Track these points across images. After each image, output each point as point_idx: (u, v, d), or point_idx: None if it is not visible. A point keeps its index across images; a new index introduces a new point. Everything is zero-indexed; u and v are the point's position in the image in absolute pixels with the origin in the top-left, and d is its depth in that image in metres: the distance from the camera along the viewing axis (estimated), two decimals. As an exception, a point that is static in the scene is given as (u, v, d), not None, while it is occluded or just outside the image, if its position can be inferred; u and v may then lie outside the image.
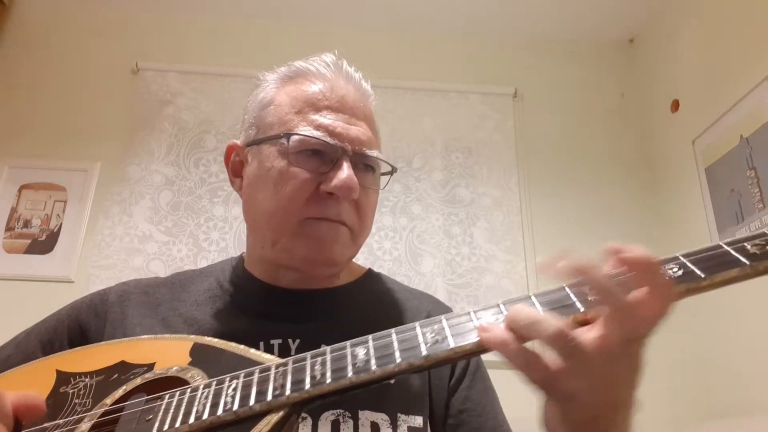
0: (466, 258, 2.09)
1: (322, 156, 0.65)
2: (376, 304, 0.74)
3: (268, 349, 0.64)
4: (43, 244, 2.02)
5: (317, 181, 0.64)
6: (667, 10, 2.27)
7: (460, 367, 0.70)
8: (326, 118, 0.66)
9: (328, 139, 0.65)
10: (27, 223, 2.05)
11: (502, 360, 0.41)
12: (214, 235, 2.06)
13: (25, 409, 0.48)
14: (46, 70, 2.28)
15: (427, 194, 2.18)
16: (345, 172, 0.63)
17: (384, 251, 2.08)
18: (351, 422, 0.59)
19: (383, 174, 0.73)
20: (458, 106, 2.34)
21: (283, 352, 0.64)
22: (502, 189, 2.22)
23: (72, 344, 0.66)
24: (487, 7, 2.37)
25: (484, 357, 0.72)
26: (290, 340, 0.65)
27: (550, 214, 2.21)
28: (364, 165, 0.68)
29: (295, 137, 0.65)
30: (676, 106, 2.18)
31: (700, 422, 1.79)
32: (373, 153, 0.68)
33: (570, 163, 2.31)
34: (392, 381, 0.63)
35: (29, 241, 2.02)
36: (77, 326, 0.68)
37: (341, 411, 0.60)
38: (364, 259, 2.04)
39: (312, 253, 0.65)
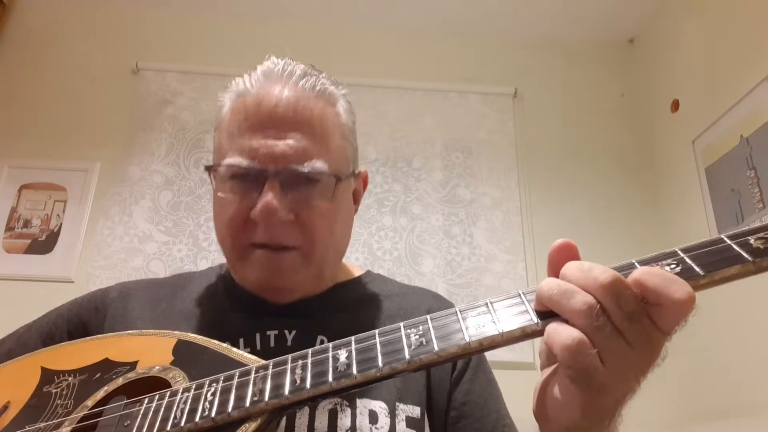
0: (466, 258, 2.09)
1: (249, 181, 0.63)
2: (374, 300, 0.74)
3: (265, 340, 0.64)
4: (43, 244, 2.02)
5: (249, 207, 0.63)
6: (667, 10, 2.27)
7: (462, 361, 0.70)
8: (251, 140, 0.63)
9: (248, 164, 0.62)
10: (27, 223, 2.05)
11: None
12: (214, 235, 2.05)
13: None
14: (46, 70, 2.28)
15: (427, 194, 2.18)
16: (265, 196, 0.61)
17: (384, 251, 2.08)
18: (349, 410, 0.59)
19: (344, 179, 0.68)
20: (458, 106, 2.34)
21: (280, 343, 0.64)
22: (502, 189, 2.22)
23: (71, 338, 0.67)
24: (488, 8, 2.37)
25: (488, 354, 0.73)
26: (286, 332, 0.65)
27: (550, 214, 2.21)
28: (304, 180, 0.63)
29: (221, 168, 0.64)
30: (676, 106, 2.18)
31: (700, 422, 1.79)
32: (302, 168, 0.62)
33: (570, 163, 2.30)
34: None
35: (29, 241, 2.02)
36: (78, 320, 0.69)
37: (339, 400, 0.59)
38: (364, 259, 2.04)
39: (261, 281, 0.65)
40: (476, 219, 2.16)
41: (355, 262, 1.94)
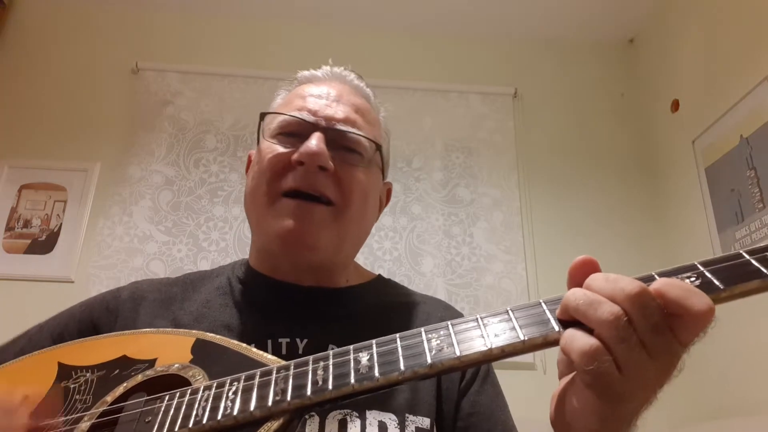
0: (466, 258, 2.09)
1: (299, 136, 0.67)
2: (387, 308, 0.74)
3: (276, 348, 0.64)
4: (43, 244, 2.02)
5: (291, 155, 0.66)
6: (667, 10, 2.27)
7: (471, 371, 0.69)
8: (307, 102, 0.70)
9: (298, 115, 0.67)
10: (27, 223, 2.05)
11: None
12: (214, 235, 2.06)
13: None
14: (46, 70, 2.28)
15: (427, 194, 2.18)
16: (312, 140, 0.64)
17: (384, 251, 2.08)
18: (358, 422, 0.58)
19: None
20: (458, 106, 2.34)
21: (291, 351, 0.64)
22: (502, 189, 2.22)
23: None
24: (487, 7, 2.37)
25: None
26: (298, 340, 0.65)
27: (550, 214, 2.21)
28: (346, 148, 0.68)
29: (271, 116, 0.70)
30: (676, 106, 2.18)
31: (698, 422, 1.79)
32: (349, 128, 0.68)
33: (570, 163, 2.31)
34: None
35: (29, 241, 2.02)
36: (89, 321, 0.69)
37: (348, 411, 0.59)
38: (364, 259, 2.04)
39: (287, 229, 0.64)
40: (476, 219, 2.16)
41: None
